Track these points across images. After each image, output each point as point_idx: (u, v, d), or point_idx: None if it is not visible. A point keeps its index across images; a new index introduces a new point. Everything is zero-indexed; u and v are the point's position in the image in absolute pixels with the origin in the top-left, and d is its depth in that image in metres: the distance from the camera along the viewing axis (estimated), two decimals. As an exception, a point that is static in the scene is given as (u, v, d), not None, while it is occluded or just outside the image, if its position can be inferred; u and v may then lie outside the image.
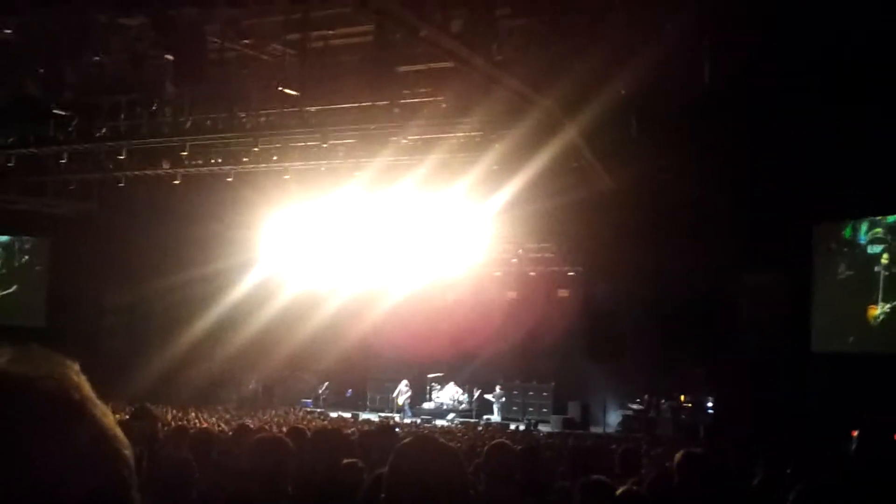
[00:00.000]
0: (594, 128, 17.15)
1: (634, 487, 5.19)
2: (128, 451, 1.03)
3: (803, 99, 16.53)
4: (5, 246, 28.86)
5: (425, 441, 2.75)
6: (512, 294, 27.75)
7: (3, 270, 28.66)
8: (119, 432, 1.02)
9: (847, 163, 18.11)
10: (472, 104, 17.14)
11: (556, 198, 20.58)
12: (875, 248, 21.13)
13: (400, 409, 26.86)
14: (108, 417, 1.02)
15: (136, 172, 22.07)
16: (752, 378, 21.55)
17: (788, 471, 6.86)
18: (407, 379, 27.74)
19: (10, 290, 28.56)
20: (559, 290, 27.49)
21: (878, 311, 20.92)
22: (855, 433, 4.98)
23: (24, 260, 28.99)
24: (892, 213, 20.93)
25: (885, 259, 20.90)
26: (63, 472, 0.94)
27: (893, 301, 20.73)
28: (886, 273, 20.86)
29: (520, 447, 6.54)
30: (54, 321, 26.82)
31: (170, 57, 14.71)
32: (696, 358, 23.32)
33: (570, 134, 17.05)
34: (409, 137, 19.17)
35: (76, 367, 1.04)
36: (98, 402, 1.03)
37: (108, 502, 0.98)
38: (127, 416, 8.15)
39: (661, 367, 23.86)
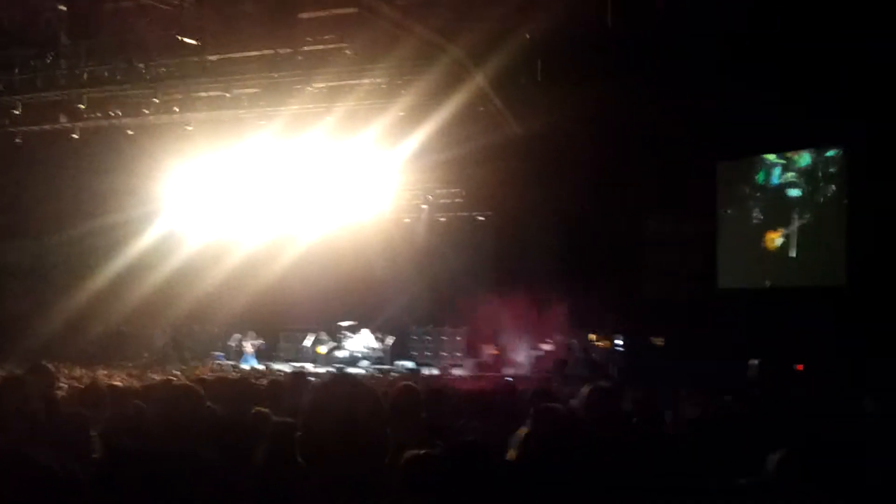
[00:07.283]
0: (500, 74, 17.14)
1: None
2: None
3: (705, 37, 16.69)
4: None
5: (343, 380, 2.75)
6: (422, 240, 27.68)
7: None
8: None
9: (752, 98, 18.30)
10: (378, 51, 16.97)
11: (464, 144, 20.58)
12: (792, 192, 21.39)
13: (314, 360, 26.73)
14: None
15: (33, 127, 21.40)
16: (660, 316, 22.02)
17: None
18: (321, 327, 27.59)
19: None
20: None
21: (777, 237, 21.45)
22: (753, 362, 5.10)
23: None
24: (798, 148, 21.30)
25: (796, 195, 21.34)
26: None
27: (791, 226, 21.25)
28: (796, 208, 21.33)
29: (425, 390, 6.57)
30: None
31: (63, 7, 14.28)
32: (607, 300, 23.67)
33: (477, 80, 17.01)
34: (315, 86, 18.91)
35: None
36: None
37: None
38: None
39: (573, 310, 24.18)
